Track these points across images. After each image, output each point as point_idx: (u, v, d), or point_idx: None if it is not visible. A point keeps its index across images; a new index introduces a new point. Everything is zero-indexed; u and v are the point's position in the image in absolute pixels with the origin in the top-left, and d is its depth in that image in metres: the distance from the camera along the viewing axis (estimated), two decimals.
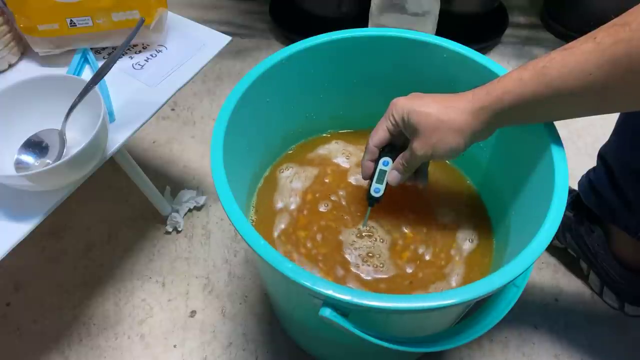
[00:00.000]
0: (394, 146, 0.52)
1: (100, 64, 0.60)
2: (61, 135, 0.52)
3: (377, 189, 0.53)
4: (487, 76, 0.51)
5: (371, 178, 0.53)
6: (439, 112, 0.45)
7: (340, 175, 0.62)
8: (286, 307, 0.59)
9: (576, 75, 0.38)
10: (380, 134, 0.50)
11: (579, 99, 0.39)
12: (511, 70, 0.43)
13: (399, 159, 0.51)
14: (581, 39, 0.38)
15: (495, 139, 0.56)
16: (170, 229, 0.80)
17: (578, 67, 0.37)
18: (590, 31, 0.38)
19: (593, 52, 0.37)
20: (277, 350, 0.69)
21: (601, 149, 0.64)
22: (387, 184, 0.53)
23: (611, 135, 0.61)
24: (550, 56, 0.40)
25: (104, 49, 0.63)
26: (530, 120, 0.45)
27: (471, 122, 0.44)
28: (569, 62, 0.38)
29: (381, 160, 0.52)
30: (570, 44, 0.39)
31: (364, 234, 0.57)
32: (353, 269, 0.54)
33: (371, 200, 0.54)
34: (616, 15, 0.37)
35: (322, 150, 0.65)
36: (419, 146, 0.47)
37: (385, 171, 0.52)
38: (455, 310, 0.49)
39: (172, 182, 0.86)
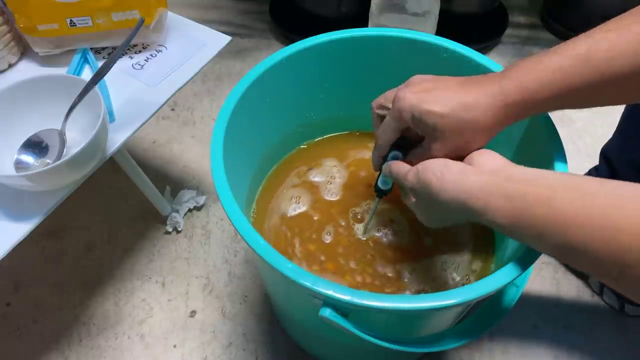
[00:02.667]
0: (405, 138, 0.48)
1: (100, 64, 0.60)
2: (61, 135, 0.52)
3: (386, 182, 0.51)
4: None
5: (381, 170, 0.52)
6: (459, 112, 0.39)
7: (341, 175, 0.62)
8: (286, 307, 0.59)
9: (628, 56, 0.34)
10: (388, 134, 0.47)
11: (632, 83, 0.35)
12: (535, 59, 0.38)
13: (415, 162, 0.43)
14: (615, 20, 0.35)
15: (494, 139, 0.56)
16: (170, 229, 0.80)
17: (629, 46, 0.34)
18: None
19: None
20: (277, 350, 0.69)
21: (603, 147, 0.64)
22: None
23: (614, 134, 0.61)
24: (593, 38, 0.35)
25: (104, 49, 0.63)
26: (567, 107, 0.40)
27: (501, 120, 0.39)
28: (619, 43, 0.34)
29: (390, 154, 0.49)
30: (602, 26, 0.35)
31: (369, 227, 0.56)
32: (358, 267, 0.54)
33: (379, 192, 0.53)
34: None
35: (322, 151, 0.65)
36: (439, 148, 0.42)
37: None
38: (455, 310, 0.49)
39: (172, 182, 0.86)
